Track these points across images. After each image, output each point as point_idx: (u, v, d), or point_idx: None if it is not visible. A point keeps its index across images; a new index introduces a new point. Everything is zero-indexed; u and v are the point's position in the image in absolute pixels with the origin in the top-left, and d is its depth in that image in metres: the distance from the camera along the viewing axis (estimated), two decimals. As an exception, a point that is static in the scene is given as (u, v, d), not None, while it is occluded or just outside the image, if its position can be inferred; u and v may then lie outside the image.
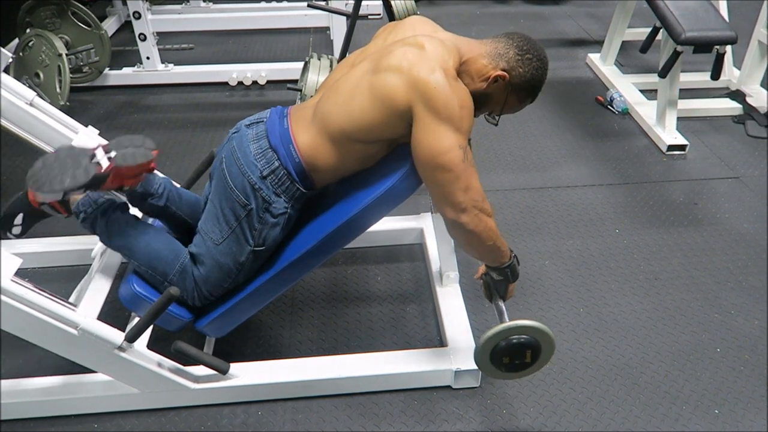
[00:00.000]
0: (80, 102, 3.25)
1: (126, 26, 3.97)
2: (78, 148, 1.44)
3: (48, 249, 2.10)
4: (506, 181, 2.65)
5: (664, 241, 2.31)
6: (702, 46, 2.68)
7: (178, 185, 1.76)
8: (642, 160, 2.81)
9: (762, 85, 3.28)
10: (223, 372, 1.61)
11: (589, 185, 2.64)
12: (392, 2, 2.30)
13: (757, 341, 1.89)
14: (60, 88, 2.87)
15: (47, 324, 1.36)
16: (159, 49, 3.43)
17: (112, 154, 1.42)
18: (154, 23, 3.37)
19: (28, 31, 3.05)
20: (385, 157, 1.49)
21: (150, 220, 1.76)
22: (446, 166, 1.34)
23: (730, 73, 3.37)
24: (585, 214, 2.46)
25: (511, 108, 1.51)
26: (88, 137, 1.81)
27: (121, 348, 1.46)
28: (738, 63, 3.36)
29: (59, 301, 1.40)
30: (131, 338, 1.45)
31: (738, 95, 3.24)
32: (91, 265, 1.79)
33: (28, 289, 1.34)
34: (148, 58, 3.37)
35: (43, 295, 1.36)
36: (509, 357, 1.46)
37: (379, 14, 3.82)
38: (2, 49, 2.81)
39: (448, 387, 1.73)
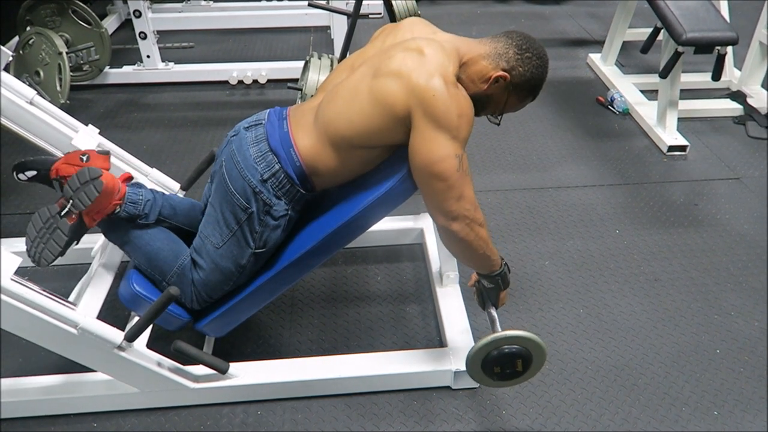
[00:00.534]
0: (80, 100, 3.25)
1: (126, 24, 3.97)
2: (43, 211, 1.48)
3: (48, 248, 2.09)
4: (506, 181, 2.65)
5: (665, 241, 2.31)
6: (703, 46, 2.68)
7: (177, 192, 1.74)
8: (642, 161, 2.81)
9: (763, 85, 3.27)
10: (223, 372, 1.60)
11: (590, 185, 2.64)
12: (393, 2, 2.29)
13: (757, 342, 1.89)
14: (60, 86, 2.87)
15: (47, 323, 1.36)
16: (159, 48, 3.42)
17: (71, 201, 1.45)
18: (154, 21, 3.37)
19: (28, 29, 3.05)
20: (385, 159, 1.49)
21: None
22: (441, 175, 1.34)
23: (731, 74, 3.37)
24: (585, 214, 2.46)
25: (513, 107, 1.51)
26: (88, 136, 1.80)
27: (120, 347, 1.46)
28: (739, 64, 3.36)
29: (59, 300, 1.40)
30: (131, 337, 1.45)
31: (739, 96, 3.24)
32: (90, 263, 1.79)
33: (28, 288, 1.34)
34: (148, 56, 3.37)
35: (42, 294, 1.36)
36: (500, 366, 1.47)
37: (380, 13, 3.82)
38: (2, 48, 2.80)
39: (448, 387, 1.73)
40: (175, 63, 3.45)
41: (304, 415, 1.66)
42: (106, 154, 1.66)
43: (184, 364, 1.62)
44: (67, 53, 2.90)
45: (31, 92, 1.72)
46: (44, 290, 1.38)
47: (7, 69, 2.89)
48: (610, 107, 3.24)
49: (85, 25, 3.18)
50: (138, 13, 3.21)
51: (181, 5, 3.90)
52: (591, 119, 3.16)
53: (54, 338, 1.41)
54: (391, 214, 1.55)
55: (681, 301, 2.05)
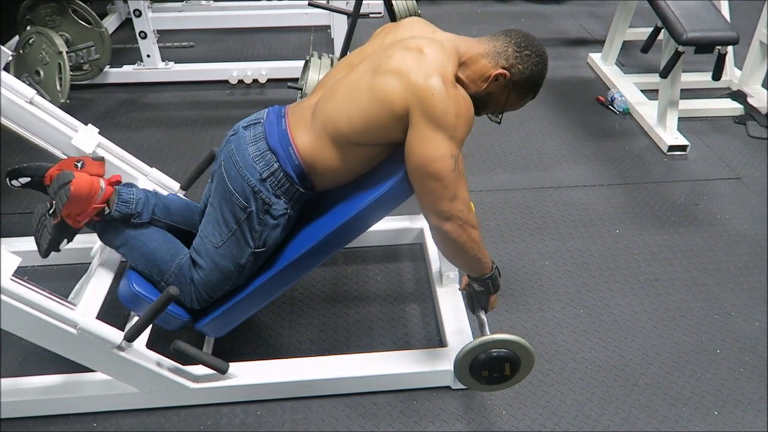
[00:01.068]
0: (80, 100, 3.25)
1: (126, 24, 3.97)
2: (42, 206, 1.54)
3: (47, 247, 2.09)
4: (506, 180, 2.64)
5: (665, 241, 2.31)
6: (703, 46, 2.68)
7: (177, 192, 1.74)
8: (643, 161, 2.81)
9: (763, 85, 3.27)
10: (223, 371, 1.60)
11: (590, 185, 2.64)
12: (393, 1, 2.29)
13: (757, 342, 1.89)
14: (60, 86, 2.87)
15: (46, 323, 1.36)
16: (159, 47, 3.42)
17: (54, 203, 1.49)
18: (154, 21, 3.36)
19: (28, 28, 3.05)
20: (385, 158, 1.49)
21: None
22: (436, 175, 1.34)
23: (732, 74, 3.37)
24: (585, 214, 2.46)
25: (513, 105, 1.51)
26: (88, 135, 1.80)
27: (120, 347, 1.46)
28: (739, 63, 3.36)
29: (58, 300, 1.40)
30: (130, 337, 1.45)
31: (739, 96, 3.24)
32: (90, 263, 1.79)
33: (28, 287, 1.34)
34: (148, 56, 3.36)
35: (42, 293, 1.36)
36: (488, 370, 1.47)
37: (380, 13, 3.81)
38: (2, 47, 2.81)
39: (448, 387, 1.73)
40: (175, 62, 3.45)
41: (303, 415, 1.66)
42: (101, 160, 1.69)
43: (183, 364, 1.62)
44: (67, 52, 2.89)
45: (30, 92, 1.72)
46: (44, 290, 1.38)
47: (7, 68, 2.89)
48: (610, 107, 3.24)
49: (85, 24, 3.18)
50: (138, 13, 3.21)
51: (181, 5, 3.90)
52: (591, 119, 3.15)
53: (54, 338, 1.41)
54: (391, 214, 1.55)
55: (681, 301, 2.04)
